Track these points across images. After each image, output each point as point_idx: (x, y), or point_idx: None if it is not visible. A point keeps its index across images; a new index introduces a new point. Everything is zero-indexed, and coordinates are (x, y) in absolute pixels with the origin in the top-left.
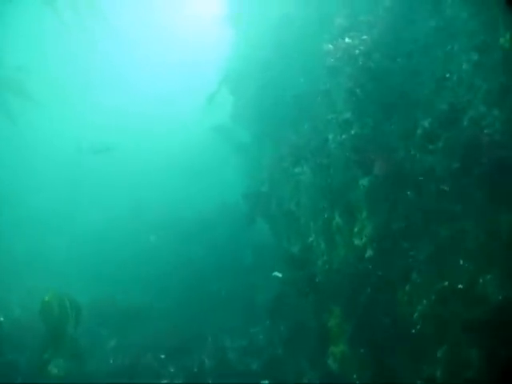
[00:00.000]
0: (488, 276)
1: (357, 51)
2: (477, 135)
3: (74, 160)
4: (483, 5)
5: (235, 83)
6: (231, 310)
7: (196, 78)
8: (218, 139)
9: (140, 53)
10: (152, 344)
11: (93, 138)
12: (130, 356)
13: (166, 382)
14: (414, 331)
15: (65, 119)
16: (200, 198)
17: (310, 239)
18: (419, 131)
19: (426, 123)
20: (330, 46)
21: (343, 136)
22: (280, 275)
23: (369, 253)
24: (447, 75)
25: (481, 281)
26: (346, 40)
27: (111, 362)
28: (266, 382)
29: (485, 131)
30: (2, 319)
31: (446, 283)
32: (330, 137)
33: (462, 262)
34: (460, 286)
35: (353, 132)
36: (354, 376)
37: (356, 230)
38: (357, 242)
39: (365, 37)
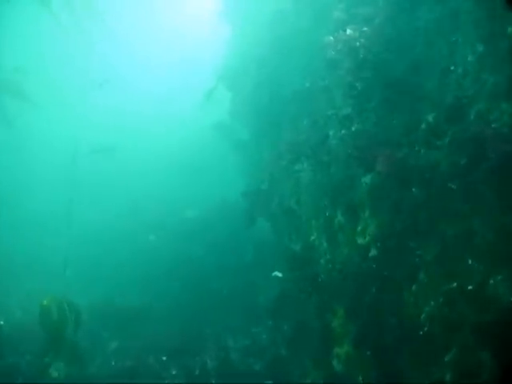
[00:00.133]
0: (499, 277)
1: (357, 43)
2: (484, 129)
3: (73, 161)
4: None
5: (232, 80)
6: (233, 310)
7: (193, 76)
8: (216, 137)
9: (137, 52)
10: (153, 345)
11: (92, 139)
12: (131, 358)
13: (168, 382)
14: (421, 333)
15: (62, 120)
16: (199, 197)
17: (312, 238)
18: (423, 126)
19: (430, 118)
20: (331, 37)
21: (344, 132)
22: (280, 275)
23: (373, 252)
24: (452, 67)
25: (491, 282)
26: (348, 32)
27: (113, 364)
28: (270, 382)
29: (492, 125)
30: (2, 323)
31: (455, 284)
32: (331, 133)
33: (470, 261)
34: (469, 287)
35: (354, 128)
36: (360, 378)
37: (359, 228)
38: (360, 240)
39: (365, 29)
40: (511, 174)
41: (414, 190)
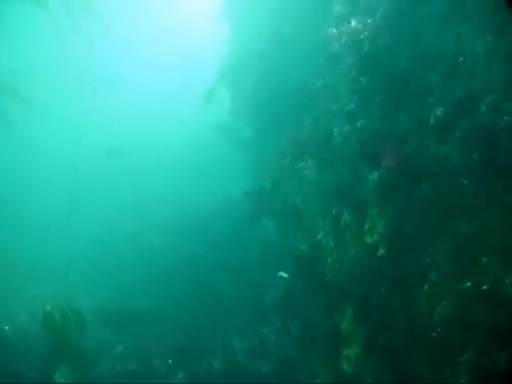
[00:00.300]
0: None
1: (361, 36)
2: (496, 122)
3: (74, 161)
4: None
5: (233, 77)
6: (239, 311)
7: (194, 75)
8: (218, 136)
9: (137, 51)
10: (159, 348)
11: (93, 138)
12: (137, 361)
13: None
14: (434, 334)
15: (63, 120)
16: (203, 196)
17: (319, 237)
18: (432, 120)
19: (438, 111)
20: (334, 30)
21: (349, 128)
22: (286, 275)
23: (381, 251)
24: (460, 59)
25: (507, 281)
26: (352, 24)
27: (118, 368)
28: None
29: (505, 118)
30: (6, 328)
31: (469, 284)
32: (335, 129)
33: (485, 260)
34: (484, 287)
35: (359, 124)
36: (370, 380)
37: (367, 227)
38: (368, 239)
39: (369, 21)
40: None
41: (423, 186)
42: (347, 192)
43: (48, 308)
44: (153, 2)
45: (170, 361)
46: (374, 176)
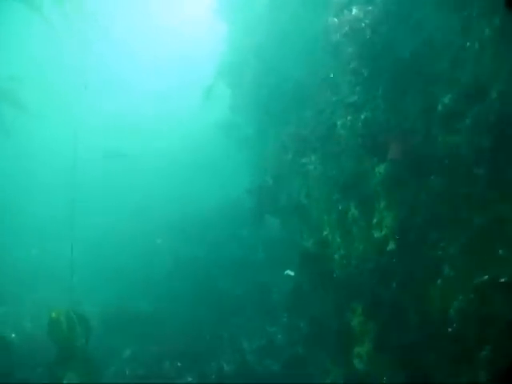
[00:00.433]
0: None
1: (363, 24)
2: (509, 108)
3: (73, 164)
4: None
5: (231, 74)
6: (246, 310)
7: (193, 72)
8: (219, 133)
9: (134, 51)
10: (167, 351)
11: (91, 141)
12: (145, 365)
13: None
14: (449, 330)
15: (61, 124)
16: (204, 195)
17: (325, 233)
18: (440, 108)
19: (446, 99)
20: (335, 19)
21: (353, 120)
22: (292, 274)
23: (391, 246)
24: (467, 44)
25: None
26: (353, 12)
27: (127, 372)
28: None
29: None
30: (13, 335)
31: (486, 277)
32: (339, 122)
33: (501, 252)
34: (502, 280)
35: (363, 116)
36: (384, 378)
37: (375, 221)
38: (376, 234)
39: (370, 8)
40: None
41: (432, 177)
42: (353, 186)
43: (53, 315)
44: (149, 2)
45: (179, 363)
46: (381, 169)
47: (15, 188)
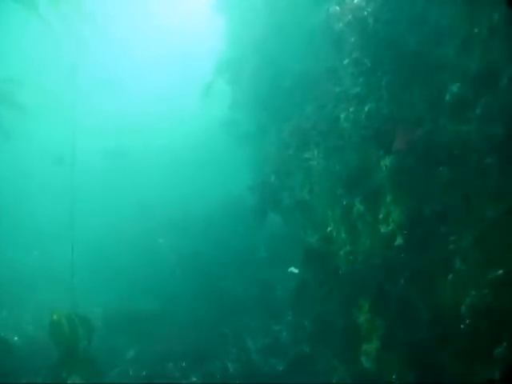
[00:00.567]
0: None
1: (365, 12)
2: None
3: (72, 165)
4: None
5: (230, 69)
6: (250, 309)
7: (192, 70)
8: (219, 130)
9: (133, 50)
10: (170, 351)
11: (91, 141)
12: (149, 366)
13: None
14: (462, 326)
15: (60, 125)
16: (206, 193)
17: (329, 229)
18: (448, 98)
19: (454, 88)
20: (337, 7)
21: (356, 113)
22: (296, 271)
23: (398, 240)
24: (475, 30)
25: None
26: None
27: (131, 373)
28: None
29: None
30: (16, 338)
31: (500, 271)
32: (342, 115)
33: None
34: None
35: (367, 107)
36: (394, 376)
37: (381, 216)
38: (383, 229)
39: None
40: None
41: (441, 168)
42: (358, 180)
43: (55, 317)
44: (147, 0)
45: (184, 363)
46: (387, 161)
47: (15, 189)
